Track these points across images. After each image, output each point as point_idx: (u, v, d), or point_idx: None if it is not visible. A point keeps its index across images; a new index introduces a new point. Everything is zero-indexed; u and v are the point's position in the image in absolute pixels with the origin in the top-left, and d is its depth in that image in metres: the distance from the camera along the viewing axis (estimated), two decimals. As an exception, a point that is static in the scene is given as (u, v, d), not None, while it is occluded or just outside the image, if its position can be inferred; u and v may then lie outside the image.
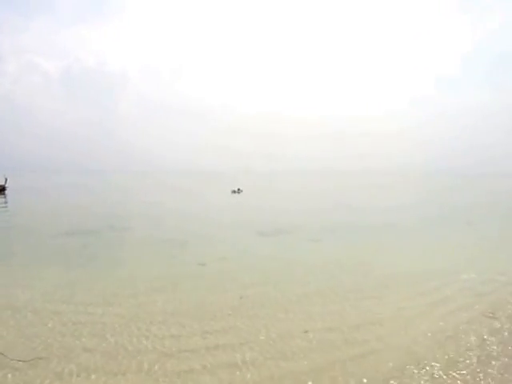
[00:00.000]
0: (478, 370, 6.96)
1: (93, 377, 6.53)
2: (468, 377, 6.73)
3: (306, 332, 8.40)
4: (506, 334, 8.56)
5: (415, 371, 6.90)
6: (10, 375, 6.42)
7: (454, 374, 6.83)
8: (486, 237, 21.84)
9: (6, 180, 46.61)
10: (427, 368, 7.01)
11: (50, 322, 8.78)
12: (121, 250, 17.66)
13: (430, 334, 8.47)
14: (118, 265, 14.56)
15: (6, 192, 46.06)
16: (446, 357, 7.47)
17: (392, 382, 6.54)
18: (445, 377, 6.75)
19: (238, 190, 62.40)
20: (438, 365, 7.13)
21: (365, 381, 6.56)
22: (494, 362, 7.27)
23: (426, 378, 6.72)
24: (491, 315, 9.67)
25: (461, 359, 7.33)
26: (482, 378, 6.72)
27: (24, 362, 6.80)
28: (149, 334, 8.18)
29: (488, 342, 8.11)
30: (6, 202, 39.01)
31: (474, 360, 7.34)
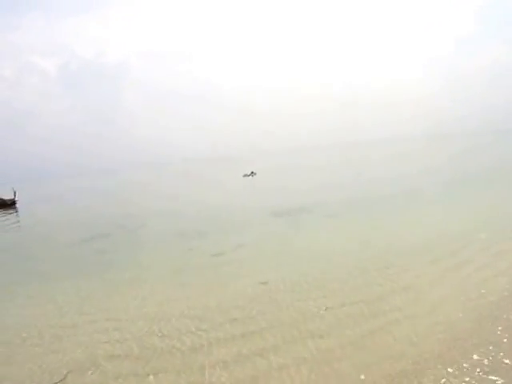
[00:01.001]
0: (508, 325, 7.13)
1: (123, 381, 6.77)
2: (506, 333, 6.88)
3: (327, 309, 8.65)
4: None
5: (442, 335, 7.09)
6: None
7: (485, 334, 6.95)
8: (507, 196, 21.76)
9: (15, 193, 47.18)
10: (456, 329, 7.19)
11: (72, 335, 9.03)
12: (137, 250, 18.05)
13: (453, 297, 8.68)
14: (135, 266, 14.93)
15: (17, 206, 46.79)
16: (475, 316, 7.63)
17: (415, 349, 6.69)
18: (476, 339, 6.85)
19: (252, 173, 61.64)
20: (467, 326, 7.31)
21: (391, 351, 6.74)
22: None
23: (458, 340, 6.86)
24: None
25: (492, 319, 7.47)
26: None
27: (58, 382, 7.01)
28: (174, 332, 8.43)
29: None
30: (17, 217, 39.56)
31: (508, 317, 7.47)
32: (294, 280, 10.89)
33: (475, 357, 6.24)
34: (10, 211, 43.57)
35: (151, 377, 6.80)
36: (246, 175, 61.01)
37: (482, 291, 8.78)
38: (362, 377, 6.13)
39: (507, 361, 6.04)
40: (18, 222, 37.49)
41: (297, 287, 10.36)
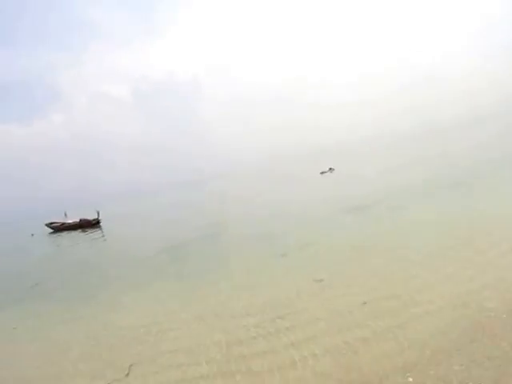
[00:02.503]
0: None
1: (179, 371, 7.91)
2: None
3: (365, 303, 9.26)
4: None
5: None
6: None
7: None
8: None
9: (98, 213, 50.57)
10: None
11: (140, 333, 10.44)
12: (209, 256, 19.50)
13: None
14: (206, 271, 16.25)
15: (101, 224, 50.15)
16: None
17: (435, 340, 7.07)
18: None
19: (330, 169, 61.20)
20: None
21: (412, 342, 7.20)
22: None
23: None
24: None
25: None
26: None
27: (126, 375, 8.25)
28: (226, 329, 9.54)
29: None
30: (103, 234, 43.05)
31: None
32: (348, 276, 11.57)
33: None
34: (95, 230, 47.01)
35: (205, 365, 8.00)
36: (323, 172, 60.53)
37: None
38: (376, 368, 6.67)
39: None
40: (104, 236, 41.02)
41: (349, 283, 11.00)
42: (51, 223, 53.81)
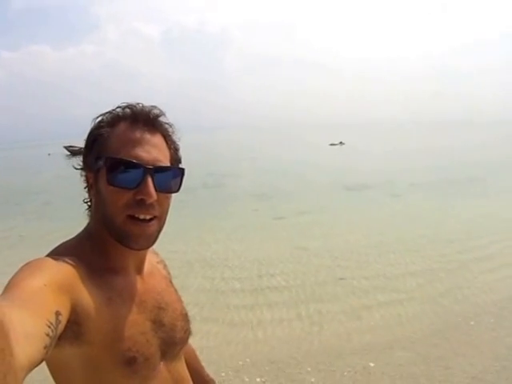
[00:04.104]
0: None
1: None
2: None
3: (342, 279, 9.48)
4: None
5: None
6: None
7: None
8: None
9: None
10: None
11: None
12: (209, 205, 20.17)
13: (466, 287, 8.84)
14: (202, 218, 16.82)
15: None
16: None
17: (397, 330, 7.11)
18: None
19: (340, 143, 60.99)
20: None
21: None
22: None
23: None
24: None
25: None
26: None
27: None
28: (212, 275, 10.04)
29: None
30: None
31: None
32: (331, 250, 11.72)
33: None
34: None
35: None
36: (333, 144, 60.38)
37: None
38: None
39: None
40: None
41: (330, 256, 11.21)
42: (70, 146, 54.34)
